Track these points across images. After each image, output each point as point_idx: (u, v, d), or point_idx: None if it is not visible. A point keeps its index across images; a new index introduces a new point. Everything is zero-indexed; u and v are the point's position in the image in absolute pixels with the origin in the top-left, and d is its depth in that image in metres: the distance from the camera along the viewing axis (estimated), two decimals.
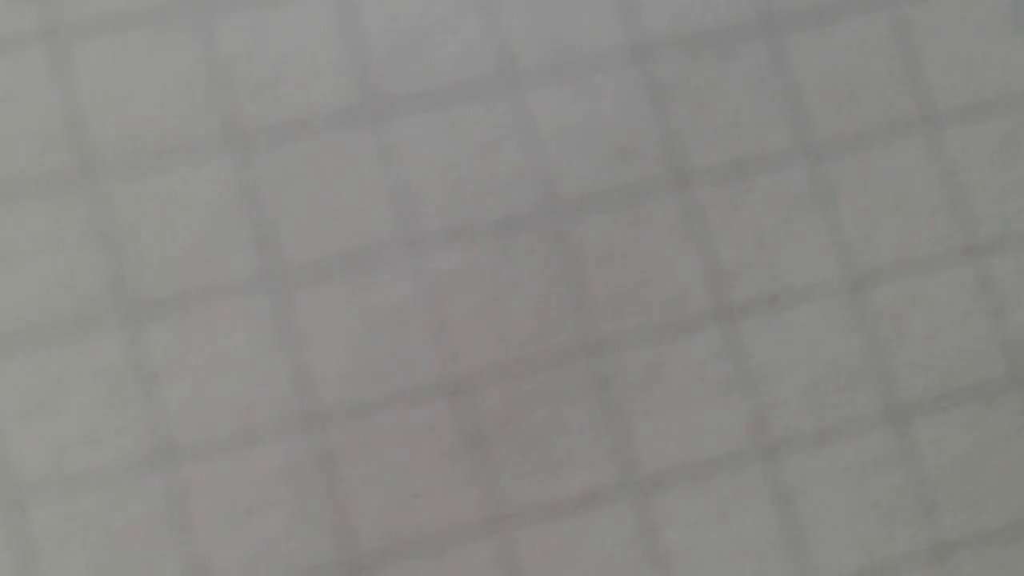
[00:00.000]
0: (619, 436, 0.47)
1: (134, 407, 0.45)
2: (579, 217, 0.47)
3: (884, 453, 0.48)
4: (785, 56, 0.50)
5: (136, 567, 0.44)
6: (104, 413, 0.45)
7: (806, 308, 0.48)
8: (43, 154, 0.46)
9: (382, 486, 0.45)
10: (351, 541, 0.45)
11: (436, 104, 0.47)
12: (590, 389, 0.47)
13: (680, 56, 0.49)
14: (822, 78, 0.50)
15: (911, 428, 0.48)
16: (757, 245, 0.48)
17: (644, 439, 0.47)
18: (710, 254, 0.48)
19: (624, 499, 0.46)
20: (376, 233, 0.47)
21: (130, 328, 0.45)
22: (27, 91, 0.46)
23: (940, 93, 0.50)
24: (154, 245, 0.46)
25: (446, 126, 0.47)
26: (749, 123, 0.49)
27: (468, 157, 0.47)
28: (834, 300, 0.48)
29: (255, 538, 0.45)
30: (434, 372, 0.46)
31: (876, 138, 0.50)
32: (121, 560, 0.44)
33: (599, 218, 0.48)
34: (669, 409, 0.47)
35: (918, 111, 0.50)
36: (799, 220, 0.49)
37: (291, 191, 0.46)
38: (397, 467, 0.46)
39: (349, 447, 0.45)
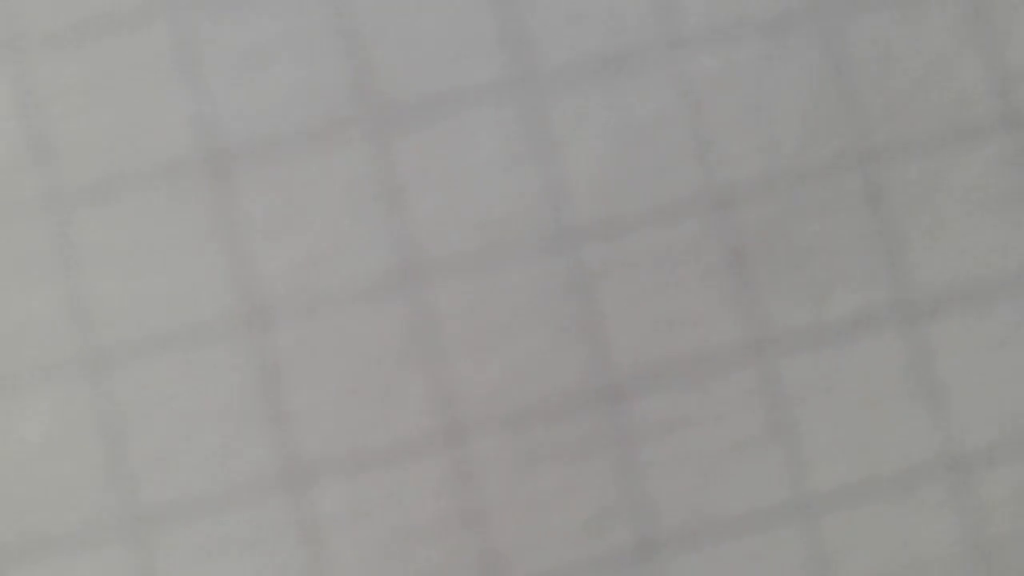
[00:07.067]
0: (894, 254, 0.46)
1: (379, 222, 0.45)
2: (853, 14, 0.46)
3: None
4: None
5: (382, 389, 0.44)
6: (349, 228, 0.45)
7: None
8: None
9: (638, 308, 0.45)
10: (604, 367, 0.45)
11: None
12: (863, 203, 0.46)
13: None
14: None
15: None
16: None
17: (921, 258, 0.46)
18: (997, 54, 0.46)
19: (898, 323, 0.45)
20: (634, 34, 0.46)
21: (376, 138, 0.45)
22: None
23: None
24: (399, 48, 0.45)
25: None
26: None
27: None
28: None
29: (503, 362, 0.45)
30: (694, 185, 0.45)
31: None
32: (368, 382, 0.44)
33: (875, 15, 0.46)
34: (949, 225, 0.46)
35: None
36: None
37: None
38: (654, 288, 0.45)
39: (603, 266, 0.45)
